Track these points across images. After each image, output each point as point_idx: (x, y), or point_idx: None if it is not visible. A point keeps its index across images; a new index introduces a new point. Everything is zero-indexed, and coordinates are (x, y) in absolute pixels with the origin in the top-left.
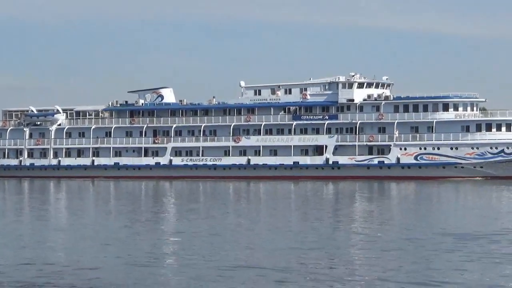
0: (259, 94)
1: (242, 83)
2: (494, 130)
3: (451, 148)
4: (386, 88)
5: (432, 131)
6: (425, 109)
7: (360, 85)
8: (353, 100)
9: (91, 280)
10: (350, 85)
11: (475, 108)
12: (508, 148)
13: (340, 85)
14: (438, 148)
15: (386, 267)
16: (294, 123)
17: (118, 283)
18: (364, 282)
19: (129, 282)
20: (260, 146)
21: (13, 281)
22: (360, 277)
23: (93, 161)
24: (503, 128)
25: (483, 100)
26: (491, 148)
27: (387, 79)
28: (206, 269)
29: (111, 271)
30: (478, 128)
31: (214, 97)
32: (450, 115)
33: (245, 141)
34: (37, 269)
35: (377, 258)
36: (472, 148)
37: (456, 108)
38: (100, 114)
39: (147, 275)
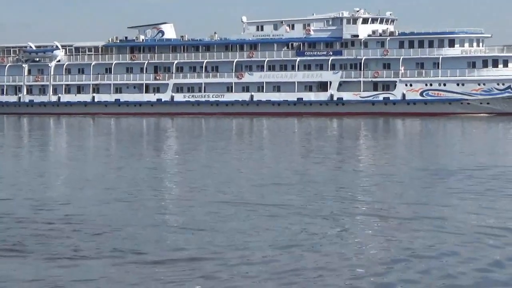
0: (262, 29)
1: (244, 19)
2: (500, 66)
3: (457, 84)
4: (390, 24)
5: (438, 67)
6: (431, 45)
7: (365, 21)
8: (357, 36)
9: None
10: (355, 21)
11: (481, 44)
12: None
13: (344, 21)
14: (444, 84)
15: (375, 200)
16: (298, 59)
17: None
18: (350, 217)
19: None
20: (263, 82)
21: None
22: (350, 212)
23: (93, 97)
24: (510, 64)
25: (489, 35)
26: (497, 84)
27: (390, 14)
28: (197, 204)
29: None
30: (485, 64)
31: (215, 32)
32: (456, 51)
33: (248, 77)
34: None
35: (368, 192)
36: (479, 84)
37: (462, 44)
38: (100, 49)
39: (133, 210)
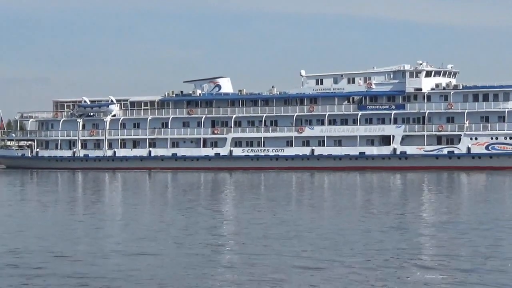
0: (321, 83)
1: (303, 72)
2: None
3: None
4: (452, 77)
5: (503, 121)
6: (495, 98)
7: (428, 74)
8: (421, 90)
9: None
10: (418, 74)
11: None
12: None
13: (407, 74)
14: (511, 138)
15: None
16: (360, 113)
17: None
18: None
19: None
20: (324, 136)
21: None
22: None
23: (149, 152)
24: None
25: None
26: None
27: (452, 67)
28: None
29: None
30: None
31: (273, 86)
32: None
33: (308, 131)
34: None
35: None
36: None
37: None
38: (156, 104)
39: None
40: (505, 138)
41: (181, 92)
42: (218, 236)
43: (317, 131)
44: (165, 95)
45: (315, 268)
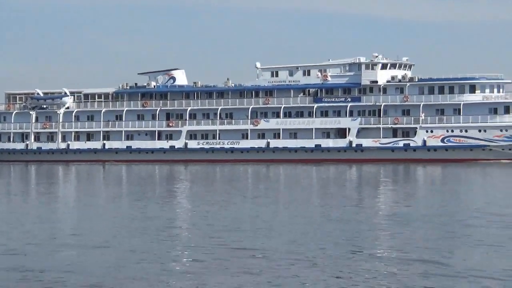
0: (277, 76)
1: (258, 64)
2: None
3: (479, 131)
4: (408, 70)
5: (459, 113)
6: (451, 91)
7: (384, 66)
8: (376, 82)
9: None
10: (374, 66)
11: (501, 90)
12: None
13: (363, 66)
14: (466, 131)
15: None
16: (315, 105)
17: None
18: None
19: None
20: (279, 129)
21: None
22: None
23: (103, 144)
24: None
25: (510, 81)
26: None
27: (407, 60)
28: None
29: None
30: (506, 110)
31: (228, 79)
32: (477, 97)
33: (264, 124)
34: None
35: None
36: (501, 131)
37: (483, 90)
38: (110, 96)
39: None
40: (461, 131)
41: (136, 84)
42: (169, 228)
43: (272, 123)
44: (119, 87)
45: (262, 258)
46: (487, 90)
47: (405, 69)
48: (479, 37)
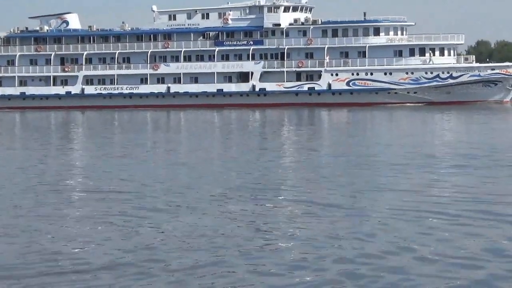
0: (174, 19)
1: (155, 8)
2: (427, 55)
3: (385, 74)
4: (308, 12)
5: (364, 56)
6: (355, 33)
7: (286, 9)
8: (279, 25)
9: None
10: (276, 9)
11: (405, 32)
12: (443, 73)
13: (265, 9)
14: (371, 74)
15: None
16: (216, 49)
17: None
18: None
19: None
20: (180, 74)
21: None
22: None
23: None
24: (437, 53)
25: (413, 23)
26: (426, 73)
27: (306, 2)
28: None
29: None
30: (412, 53)
31: (123, 22)
32: (381, 39)
33: (164, 69)
34: None
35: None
36: (407, 73)
37: (387, 32)
38: (1, 41)
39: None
40: (366, 74)
41: (26, 28)
42: (64, 178)
43: (172, 68)
44: (11, 31)
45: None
46: (391, 33)
47: (306, 12)
48: None
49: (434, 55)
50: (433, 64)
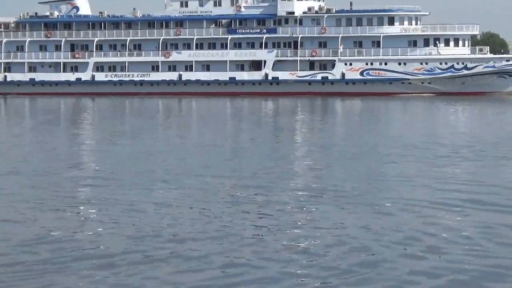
0: (186, 6)
1: None
2: (442, 45)
3: (399, 64)
4: (321, 1)
5: (378, 46)
6: (370, 22)
7: None
8: (293, 13)
9: None
10: None
11: (419, 22)
12: (458, 63)
13: None
14: (386, 64)
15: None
16: (229, 37)
17: None
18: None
19: None
20: (192, 61)
21: None
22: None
23: (5, 76)
24: (451, 43)
25: (427, 13)
26: (440, 63)
27: None
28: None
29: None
30: (426, 43)
31: (134, 9)
32: (396, 29)
33: (175, 56)
34: None
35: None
36: (421, 64)
37: (401, 22)
38: (10, 26)
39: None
40: (380, 63)
41: (36, 13)
42: (72, 168)
43: (184, 55)
44: (20, 16)
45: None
46: (406, 23)
47: (318, 0)
48: None
49: (440, 45)
50: (439, 55)
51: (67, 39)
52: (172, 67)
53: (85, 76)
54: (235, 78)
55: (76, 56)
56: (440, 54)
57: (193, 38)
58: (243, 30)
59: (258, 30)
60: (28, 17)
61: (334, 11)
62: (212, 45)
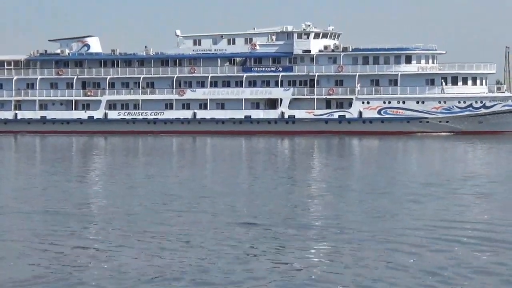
0: (199, 44)
1: (178, 32)
2: (460, 84)
3: (417, 102)
4: (336, 39)
5: (395, 84)
6: (386, 61)
7: (317, 35)
8: (309, 51)
9: None
10: (307, 35)
11: (435, 61)
12: (476, 102)
13: (295, 35)
14: (404, 102)
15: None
16: (245, 75)
17: None
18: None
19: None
20: (206, 99)
21: None
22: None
23: (15, 114)
24: (469, 82)
25: (443, 52)
26: (459, 102)
27: (333, 29)
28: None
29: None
30: (444, 81)
31: (146, 46)
32: (413, 67)
33: (189, 94)
34: None
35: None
36: (439, 102)
37: (418, 60)
38: (21, 64)
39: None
40: (398, 102)
41: (45, 51)
42: (82, 204)
43: (199, 93)
44: (31, 54)
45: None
46: (423, 61)
47: (334, 39)
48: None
49: (466, 83)
50: (444, 93)
51: (79, 76)
52: (186, 105)
53: (98, 114)
54: (250, 116)
55: (88, 94)
56: (445, 93)
57: (208, 76)
58: (259, 68)
59: (274, 68)
60: (38, 54)
61: (350, 50)
62: (226, 83)
